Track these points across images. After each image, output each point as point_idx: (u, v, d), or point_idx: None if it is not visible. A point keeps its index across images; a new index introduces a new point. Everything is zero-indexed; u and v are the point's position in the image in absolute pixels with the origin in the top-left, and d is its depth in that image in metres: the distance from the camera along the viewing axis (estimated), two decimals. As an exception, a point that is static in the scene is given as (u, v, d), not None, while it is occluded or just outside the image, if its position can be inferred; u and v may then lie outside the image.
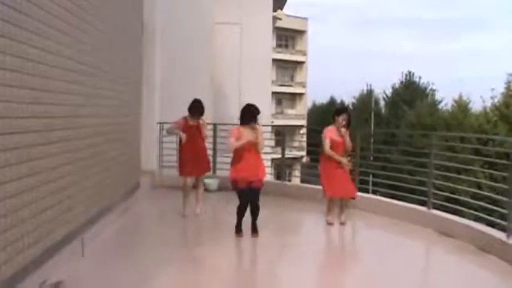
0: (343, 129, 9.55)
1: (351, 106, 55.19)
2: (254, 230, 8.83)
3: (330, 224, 9.68)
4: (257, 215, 8.85)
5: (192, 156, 9.94)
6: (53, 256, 6.07)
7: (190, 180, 10.15)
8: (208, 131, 10.19)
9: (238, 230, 8.87)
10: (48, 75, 5.86)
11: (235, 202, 8.85)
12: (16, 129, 5.04)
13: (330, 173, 9.58)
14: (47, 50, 5.79)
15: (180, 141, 10.03)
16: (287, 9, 36.05)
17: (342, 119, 9.59)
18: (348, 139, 9.60)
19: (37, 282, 5.58)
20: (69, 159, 6.66)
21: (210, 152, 13.65)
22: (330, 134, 9.61)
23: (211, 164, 10.46)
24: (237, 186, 8.80)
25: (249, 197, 8.78)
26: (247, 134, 8.66)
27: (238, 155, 8.76)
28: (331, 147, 9.54)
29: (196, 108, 9.92)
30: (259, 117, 8.82)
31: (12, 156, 4.96)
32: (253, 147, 8.70)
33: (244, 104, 8.98)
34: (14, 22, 4.90)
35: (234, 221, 8.87)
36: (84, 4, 7.15)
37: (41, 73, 5.64)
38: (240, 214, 8.87)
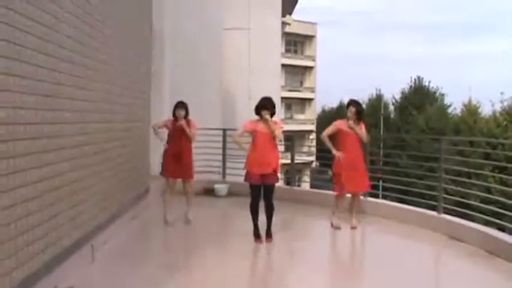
0: (350, 122, 9.56)
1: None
2: (268, 234, 8.77)
3: (336, 228, 9.66)
4: (272, 216, 8.76)
5: (175, 157, 9.87)
6: (63, 262, 6.08)
7: (172, 182, 10.11)
8: (195, 132, 10.00)
9: (256, 234, 8.79)
10: (57, 81, 5.88)
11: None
12: (25, 135, 5.05)
13: (341, 170, 9.57)
14: (56, 56, 5.81)
15: (168, 141, 10.02)
16: (296, 15, 36.05)
17: (349, 111, 9.65)
18: (359, 131, 9.57)
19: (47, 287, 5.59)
20: (78, 165, 6.68)
21: (219, 158, 13.73)
22: (338, 124, 9.72)
23: (194, 171, 10.31)
24: (249, 179, 8.74)
25: (262, 194, 8.73)
26: (262, 127, 8.65)
27: (253, 148, 8.72)
28: (340, 138, 9.64)
29: (176, 108, 9.92)
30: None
31: (22, 162, 4.97)
32: (267, 140, 8.64)
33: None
34: (23, 28, 4.92)
35: (244, 226, 8.85)
36: (93, 10, 7.17)
37: (50, 79, 5.66)
38: (253, 213, 8.78)
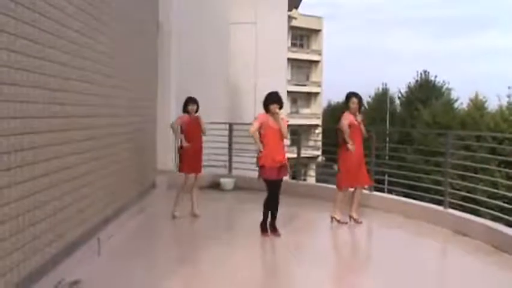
0: (359, 116, 9.53)
1: (366, 105, 54.99)
2: (275, 227, 8.77)
3: (343, 223, 9.63)
4: (277, 209, 8.75)
5: (194, 153, 9.94)
6: (70, 255, 6.11)
7: (193, 177, 10.12)
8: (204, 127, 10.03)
9: (266, 228, 8.76)
10: (64, 75, 5.90)
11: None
12: (32, 129, 5.07)
13: (351, 165, 9.50)
14: (63, 50, 5.83)
15: (184, 137, 10.02)
16: (302, 9, 36.01)
17: (351, 103, 9.55)
18: (363, 126, 9.56)
19: (54, 281, 5.62)
20: (85, 159, 6.70)
21: (225, 152, 13.77)
22: (347, 116, 9.55)
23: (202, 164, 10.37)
24: (266, 174, 8.64)
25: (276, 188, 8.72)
26: (272, 122, 8.63)
27: (265, 143, 8.63)
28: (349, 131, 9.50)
29: (188, 103, 9.96)
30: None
31: (29, 156, 4.99)
32: (278, 134, 8.60)
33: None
34: (31, 22, 4.94)
35: (250, 219, 8.83)
36: (100, 5, 7.18)
37: (57, 73, 5.68)
38: (268, 208, 8.72)
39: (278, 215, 8.80)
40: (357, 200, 9.79)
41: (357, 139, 9.48)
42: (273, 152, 8.57)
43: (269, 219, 8.76)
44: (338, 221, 9.62)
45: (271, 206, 8.74)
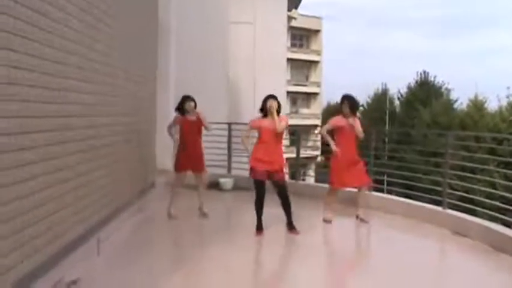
0: (350, 119, 9.52)
1: (365, 105, 54.99)
2: (291, 226, 8.89)
3: (327, 221, 9.68)
4: (289, 209, 8.88)
5: (189, 151, 9.94)
6: (69, 255, 6.11)
7: (184, 175, 10.11)
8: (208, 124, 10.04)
9: (259, 227, 8.83)
10: (64, 74, 5.89)
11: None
12: (32, 128, 5.07)
13: (340, 166, 9.57)
14: (63, 49, 5.82)
15: (180, 137, 10.02)
16: (302, 9, 36.01)
17: (343, 107, 9.59)
18: (357, 126, 9.49)
19: (53, 280, 5.62)
20: (84, 158, 6.70)
21: (224, 152, 13.78)
22: (333, 122, 9.70)
23: (205, 163, 10.33)
24: (255, 175, 8.76)
25: (277, 192, 8.82)
26: (267, 124, 8.65)
27: (258, 144, 8.77)
28: (337, 133, 9.60)
29: (186, 101, 9.95)
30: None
31: (28, 155, 4.99)
32: (273, 136, 8.65)
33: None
34: (30, 21, 4.94)
35: (248, 219, 8.84)
36: (99, 4, 7.18)
37: (57, 72, 5.67)
38: (258, 209, 8.81)
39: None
40: (361, 200, 9.82)
41: (346, 141, 9.50)
42: (264, 154, 8.69)
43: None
44: (326, 221, 9.66)
45: (259, 208, 8.83)
